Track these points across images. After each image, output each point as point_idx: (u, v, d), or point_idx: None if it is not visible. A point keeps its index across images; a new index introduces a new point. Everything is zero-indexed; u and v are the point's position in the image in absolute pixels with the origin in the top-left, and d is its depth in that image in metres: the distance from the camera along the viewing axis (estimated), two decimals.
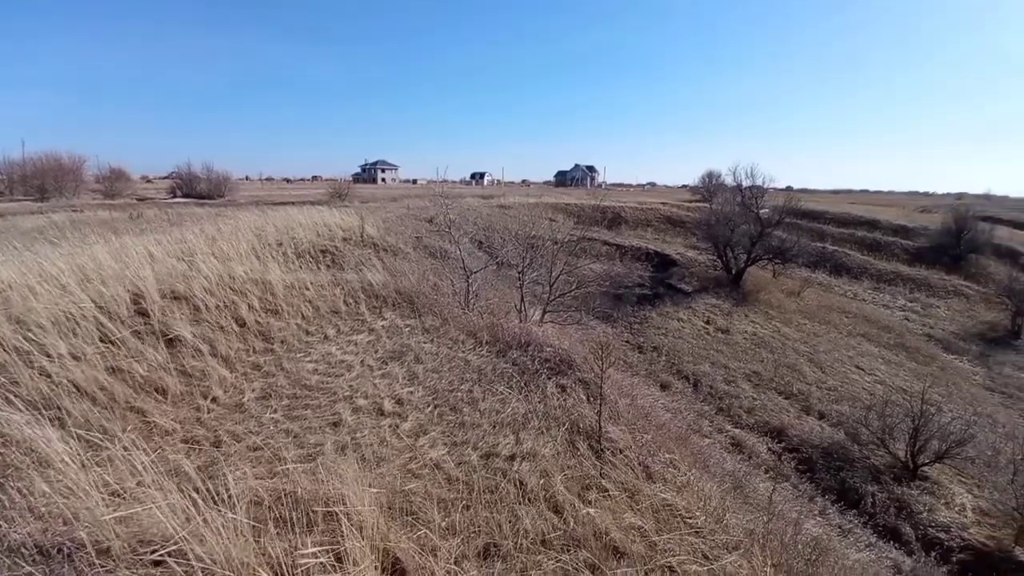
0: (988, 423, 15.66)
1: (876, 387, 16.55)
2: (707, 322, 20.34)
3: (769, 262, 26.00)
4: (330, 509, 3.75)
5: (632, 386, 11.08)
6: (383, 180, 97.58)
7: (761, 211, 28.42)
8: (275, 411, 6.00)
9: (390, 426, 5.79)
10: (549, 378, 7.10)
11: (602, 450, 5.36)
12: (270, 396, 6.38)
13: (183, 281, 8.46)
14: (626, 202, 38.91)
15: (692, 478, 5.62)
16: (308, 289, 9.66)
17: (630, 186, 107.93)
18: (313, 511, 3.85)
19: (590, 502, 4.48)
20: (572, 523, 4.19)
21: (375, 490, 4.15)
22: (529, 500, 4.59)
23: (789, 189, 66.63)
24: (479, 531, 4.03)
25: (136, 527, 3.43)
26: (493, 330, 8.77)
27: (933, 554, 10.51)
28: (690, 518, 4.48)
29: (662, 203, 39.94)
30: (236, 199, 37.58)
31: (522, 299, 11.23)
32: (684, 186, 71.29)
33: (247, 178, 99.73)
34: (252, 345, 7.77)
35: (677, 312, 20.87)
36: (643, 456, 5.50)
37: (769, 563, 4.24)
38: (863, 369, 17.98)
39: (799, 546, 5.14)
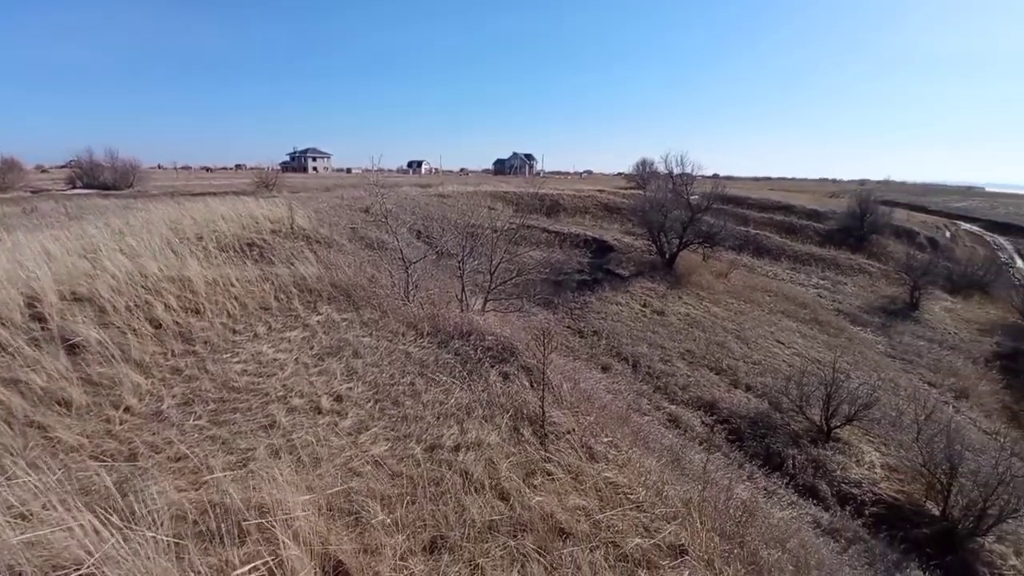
0: (891, 387, 17.41)
1: (795, 359, 17.92)
2: (644, 305, 21.12)
3: (699, 246, 27.32)
4: (263, 518, 3.54)
5: (575, 370, 11.31)
6: (315, 169, 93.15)
7: (691, 197, 29.76)
8: (199, 417, 5.59)
9: (329, 424, 5.57)
10: (492, 366, 7.09)
11: (546, 434, 5.42)
12: (193, 401, 5.93)
13: (86, 281, 7.68)
14: (564, 190, 39.46)
15: (633, 455, 5.81)
16: (234, 285, 9.05)
17: (568, 174, 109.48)
18: (245, 521, 3.62)
19: (535, 486, 4.52)
20: (518, 509, 4.21)
21: (313, 493, 3.96)
22: (475, 490, 4.56)
23: (716, 176, 70.26)
24: (425, 525, 3.96)
25: (46, 551, 3.09)
26: (434, 321, 8.63)
27: (848, 508, 11.60)
28: (631, 494, 4.63)
29: (599, 190, 40.85)
30: (147, 190, 34.55)
31: (463, 289, 11.11)
32: (620, 174, 73.23)
33: (160, 167, 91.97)
34: (171, 348, 7.19)
35: (615, 296, 21.52)
36: (586, 438, 5.62)
37: (705, 529, 4.47)
38: (783, 343, 19.39)
39: (731, 510, 5.45)
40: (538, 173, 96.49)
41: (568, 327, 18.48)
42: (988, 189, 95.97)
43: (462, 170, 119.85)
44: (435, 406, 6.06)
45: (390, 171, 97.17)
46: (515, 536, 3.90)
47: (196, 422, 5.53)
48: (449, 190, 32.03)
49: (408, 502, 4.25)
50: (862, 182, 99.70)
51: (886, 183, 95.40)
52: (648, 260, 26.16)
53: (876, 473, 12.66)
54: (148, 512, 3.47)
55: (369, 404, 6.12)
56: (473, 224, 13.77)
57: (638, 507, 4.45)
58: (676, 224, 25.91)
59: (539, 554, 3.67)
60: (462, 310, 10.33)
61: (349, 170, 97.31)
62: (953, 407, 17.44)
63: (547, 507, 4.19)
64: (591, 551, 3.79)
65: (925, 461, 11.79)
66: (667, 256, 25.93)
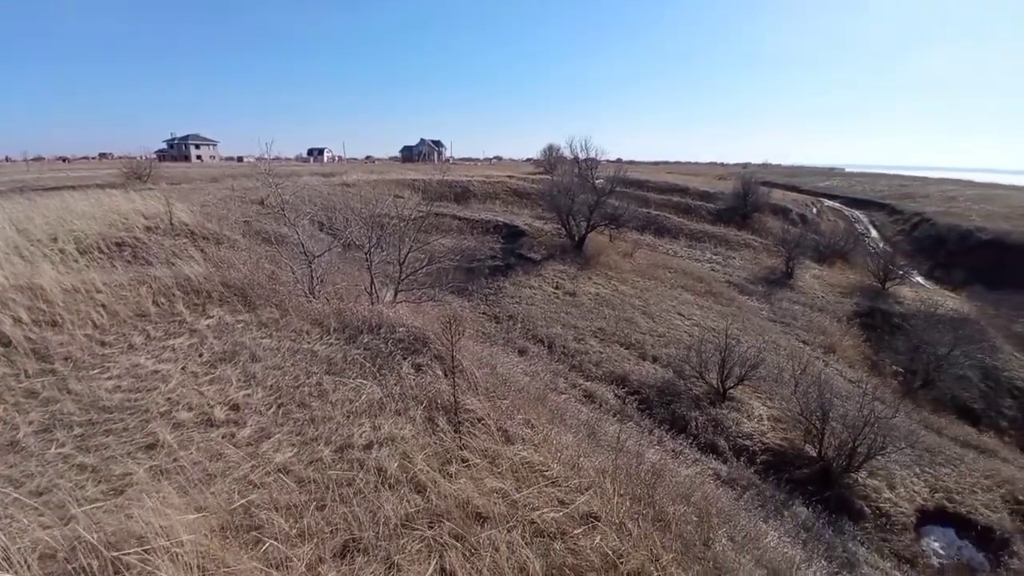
0: (773, 348, 19.44)
1: (694, 329, 19.40)
2: (556, 287, 21.73)
3: (606, 227, 28.53)
4: (144, 548, 3.16)
5: (491, 355, 11.38)
6: (198, 158, 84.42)
7: (597, 181, 30.91)
8: (63, 444, 4.89)
9: (224, 437, 5.11)
10: (404, 359, 6.90)
11: (460, 422, 5.39)
12: (54, 427, 5.17)
13: None
14: (474, 176, 39.29)
15: (550, 434, 5.96)
16: (100, 291, 7.99)
17: (477, 160, 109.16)
18: (124, 555, 3.21)
19: (452, 475, 4.48)
20: (435, 499, 4.15)
21: (204, 514, 3.61)
22: (390, 486, 4.43)
23: (619, 161, 73.47)
24: (336, 530, 3.77)
25: None
26: (341, 316, 8.23)
27: (742, 459, 12.86)
28: (547, 470, 4.74)
29: (508, 176, 41.15)
30: None
31: (372, 281, 10.69)
32: (529, 159, 74.21)
33: (7, 159, 78.76)
34: (23, 368, 6.20)
35: (528, 280, 21.91)
36: (502, 421, 5.66)
37: (617, 494, 4.70)
38: (684, 315, 20.91)
39: (641, 474, 5.78)
40: (447, 160, 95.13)
41: (483, 313, 18.54)
42: (847, 170, 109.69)
43: (368, 158, 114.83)
44: (345, 405, 5.79)
45: (288, 159, 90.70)
46: (432, 527, 3.83)
47: (59, 450, 4.83)
48: (354, 179, 30.59)
49: (316, 508, 4.02)
50: (744, 165, 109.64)
51: (764, 166, 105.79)
52: (558, 243, 26.89)
53: (764, 425, 14.13)
54: (7, 556, 2.99)
55: (271, 410, 5.71)
56: (380, 213, 13.25)
57: (553, 482, 4.56)
58: (583, 207, 26.82)
59: (457, 541, 3.64)
60: (372, 303, 9.95)
61: (240, 159, 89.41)
62: (823, 361, 19.89)
63: (464, 494, 4.17)
64: (508, 531, 3.83)
65: (802, 410, 13.33)
66: (576, 239, 26.81)
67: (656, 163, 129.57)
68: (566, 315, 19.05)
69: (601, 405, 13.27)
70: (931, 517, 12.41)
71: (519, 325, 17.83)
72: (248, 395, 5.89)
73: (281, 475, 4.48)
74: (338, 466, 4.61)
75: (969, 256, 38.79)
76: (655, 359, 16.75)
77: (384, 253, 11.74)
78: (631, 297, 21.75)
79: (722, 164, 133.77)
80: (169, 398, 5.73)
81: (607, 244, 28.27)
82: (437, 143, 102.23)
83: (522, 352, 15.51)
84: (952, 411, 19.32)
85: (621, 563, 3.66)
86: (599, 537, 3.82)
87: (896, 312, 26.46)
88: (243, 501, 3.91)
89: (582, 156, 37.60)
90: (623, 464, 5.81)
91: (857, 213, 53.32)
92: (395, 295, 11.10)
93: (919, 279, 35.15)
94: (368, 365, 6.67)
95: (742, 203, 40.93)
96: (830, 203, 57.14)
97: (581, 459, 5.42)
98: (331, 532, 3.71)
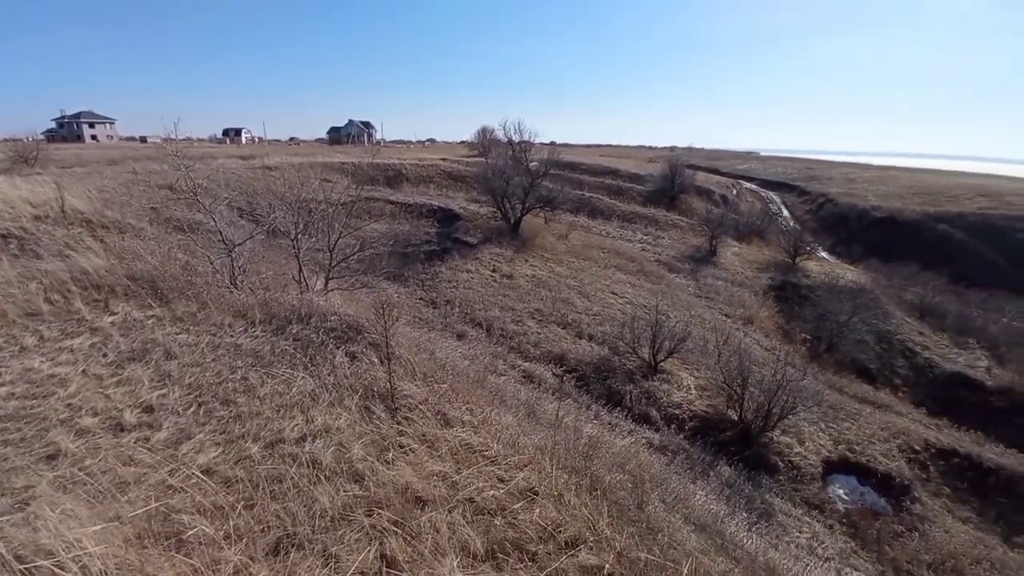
0: (699, 321, 20.64)
1: (627, 307, 20.19)
2: (493, 270, 21.79)
3: (541, 210, 28.84)
4: (54, 562, 2.89)
5: (430, 341, 11.26)
6: (93, 138, 75.95)
7: (531, 164, 31.08)
8: None
9: (137, 440, 4.74)
10: (337, 347, 6.68)
11: (397, 408, 5.31)
12: None
13: None
14: (406, 159, 38.25)
15: (490, 415, 6.01)
16: None
17: (410, 143, 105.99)
18: (35, 567, 2.93)
19: (390, 462, 4.42)
20: (373, 487, 4.08)
21: (117, 522, 3.35)
22: (326, 478, 4.31)
23: (553, 144, 74.19)
24: (268, 527, 3.62)
25: None
26: (268, 307, 7.81)
27: (673, 426, 13.66)
28: (487, 451, 4.79)
29: (442, 159, 40.43)
30: None
31: (300, 269, 10.21)
32: (463, 142, 73.28)
33: None
34: None
35: (465, 264, 21.81)
36: (440, 405, 5.64)
37: (555, 468, 4.84)
38: (617, 294, 21.69)
39: (579, 447, 5.99)
40: (378, 142, 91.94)
41: (420, 299, 18.30)
42: (762, 154, 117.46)
43: (291, 139, 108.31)
44: (274, 399, 5.54)
45: (201, 140, 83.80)
46: (371, 515, 3.78)
47: None
48: (276, 161, 28.82)
49: (245, 507, 3.84)
50: (672, 148, 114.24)
51: (689, 149, 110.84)
52: (494, 226, 26.90)
53: (692, 394, 15.05)
54: None
55: (191, 410, 5.35)
56: (307, 198, 12.59)
57: (493, 462, 4.63)
58: (518, 190, 26.93)
59: (397, 527, 3.61)
60: (301, 292, 9.51)
61: (144, 139, 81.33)
62: (743, 332, 21.41)
63: (403, 480, 4.13)
64: (449, 512, 3.85)
65: (725, 378, 14.33)
66: (512, 221, 26.93)
67: (589, 145, 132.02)
68: (504, 298, 19.18)
69: (540, 384, 13.55)
70: (836, 467, 13.83)
71: (457, 309, 17.76)
72: (163, 395, 5.48)
73: (205, 477, 4.23)
74: (268, 462, 4.42)
75: (866, 232, 42.93)
76: (591, 337, 17.29)
77: (312, 240, 11.21)
78: (567, 278, 22.24)
79: (651, 147, 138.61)
80: (70, 404, 5.22)
81: (543, 226, 28.63)
82: (366, 124, 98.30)
83: (461, 336, 15.49)
84: (852, 372, 21.50)
85: (559, 532, 3.79)
86: (538, 510, 3.93)
87: (804, 284, 28.87)
88: (158, 505, 3.66)
89: (516, 139, 37.62)
90: (561, 439, 5.98)
91: (771, 194, 57.34)
92: (326, 283, 10.67)
93: (824, 254, 38.46)
94: (299, 356, 6.41)
95: (670, 185, 42.69)
96: (748, 185, 61.01)
97: (521, 437, 5.52)
98: (262, 530, 3.57)
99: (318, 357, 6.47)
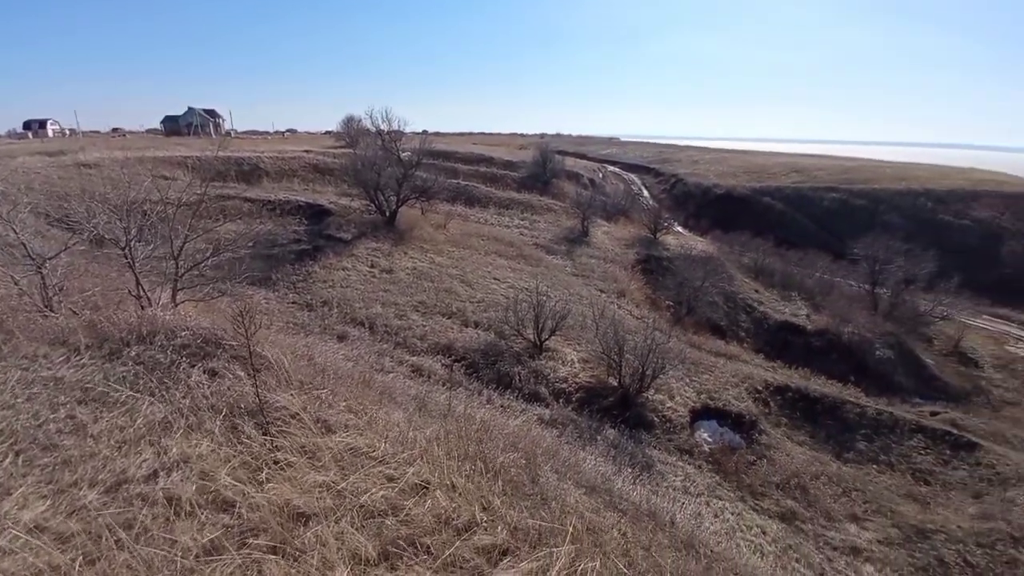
0: (578, 298, 21.91)
1: (509, 291, 20.71)
2: (371, 266, 20.95)
3: (417, 200, 28.27)
4: None
5: (307, 346, 10.51)
6: None
7: (402, 154, 30.21)
8: None
9: None
10: (192, 366, 5.92)
11: (270, 423, 4.88)
12: None
13: None
14: (264, 151, 34.90)
15: (378, 415, 5.78)
16: None
17: (267, 134, 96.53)
18: None
19: (264, 482, 4.04)
20: (247, 513, 3.70)
21: None
22: (188, 513, 3.81)
23: (425, 133, 72.86)
24: None
25: None
26: (96, 329, 6.64)
27: (561, 400, 14.39)
28: (374, 452, 4.60)
29: (306, 151, 37.61)
30: None
31: (137, 282, 8.83)
32: (328, 132, 68.89)
33: None
34: None
35: (341, 262, 20.69)
36: (320, 412, 5.29)
37: (448, 457, 4.81)
38: (499, 279, 22.15)
39: (472, 433, 6.02)
40: (227, 133, 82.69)
41: (293, 302, 16.99)
42: (623, 139, 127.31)
43: (114, 131, 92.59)
44: (113, 434, 4.74)
45: None
46: (245, 544, 3.42)
47: None
48: (95, 157, 24.52)
49: (86, 563, 3.26)
50: (541, 135, 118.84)
51: (558, 136, 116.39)
52: (369, 220, 25.83)
53: (576, 367, 15.98)
54: None
55: (6, 460, 4.38)
56: (138, 199, 10.86)
57: (381, 461, 4.46)
58: (391, 181, 26.09)
59: (275, 552, 3.32)
60: (141, 308, 8.24)
61: None
62: (617, 305, 23.19)
63: (281, 498, 3.81)
64: (336, 522, 3.64)
65: (603, 348, 15.42)
66: (387, 214, 26.07)
67: (461, 134, 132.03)
68: (385, 293, 18.58)
69: (430, 377, 13.40)
70: (700, 414, 15.68)
71: (336, 310, 16.81)
72: None
73: (33, 536, 3.51)
74: (111, 508, 3.79)
75: (710, 207, 48.87)
76: (477, 324, 17.48)
77: (151, 247, 9.75)
78: (448, 267, 22.16)
79: (522, 135, 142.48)
80: None
81: (420, 217, 28.14)
82: (211, 113, 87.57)
83: (342, 337, 14.71)
84: (707, 330, 24.45)
85: (454, 519, 3.78)
86: (430, 502, 3.88)
87: (665, 257, 32.05)
88: None
89: (385, 128, 36.27)
90: (454, 428, 5.97)
91: (632, 176, 62.54)
92: (174, 295, 9.38)
93: (679, 228, 43.05)
94: (143, 382, 5.56)
95: (542, 170, 44.40)
96: (612, 168, 65.81)
97: (411, 433, 5.39)
98: None
99: (168, 380, 5.67)
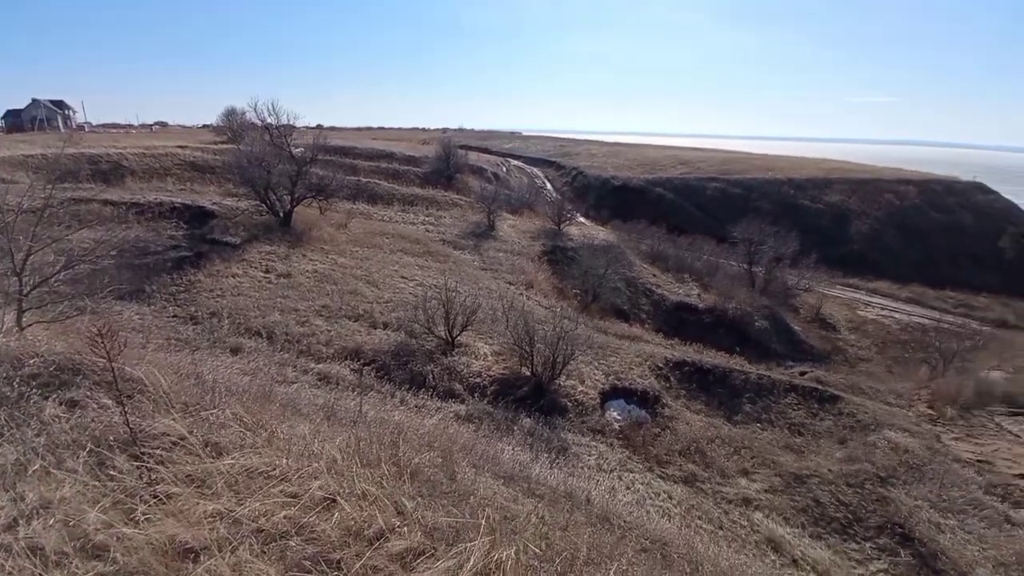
0: (487, 292, 22.05)
1: (418, 289, 20.34)
2: (266, 271, 19.51)
3: (314, 199, 26.73)
4: None
5: (195, 362, 9.52)
6: None
7: (295, 149, 28.34)
8: None
9: None
10: (46, 398, 5.11)
11: (147, 454, 4.37)
12: None
13: None
14: (128, 147, 30.90)
15: (277, 430, 5.40)
16: None
17: (131, 127, 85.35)
18: None
19: (141, 521, 3.61)
20: (122, 557, 3.29)
21: None
22: (55, 564, 3.30)
23: (319, 127, 68.89)
24: None
25: None
26: None
27: (476, 395, 14.43)
28: (273, 470, 4.30)
29: (180, 147, 33.89)
30: None
31: None
32: (206, 126, 62.74)
33: None
34: None
35: (230, 268, 19.01)
36: (210, 435, 4.83)
37: (357, 465, 4.62)
38: (407, 278, 21.66)
39: (384, 438, 5.84)
40: (80, 126, 72.33)
41: (175, 316, 15.34)
42: (525, 133, 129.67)
43: None
44: None
45: None
46: None
47: None
48: None
49: None
50: (443, 130, 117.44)
51: (461, 130, 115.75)
52: (261, 222, 23.99)
53: (489, 361, 16.11)
54: None
55: None
56: None
57: (283, 479, 4.17)
58: (283, 179, 24.41)
59: None
60: None
61: None
62: (525, 296, 23.71)
63: (164, 535, 3.42)
64: (232, 552, 3.35)
65: (515, 340, 15.70)
66: (282, 215, 24.38)
67: (360, 128, 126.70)
68: (283, 299, 17.40)
69: (339, 383, 12.83)
70: (609, 395, 16.53)
71: (227, 321, 15.44)
72: None
73: None
74: None
75: (609, 198, 51.42)
76: (386, 325, 16.99)
77: None
78: (352, 268, 21.27)
79: (424, 129, 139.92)
80: None
81: (318, 217, 26.67)
82: (60, 104, 75.80)
83: (236, 350, 13.58)
84: (612, 314, 25.82)
85: (365, 529, 3.64)
86: (338, 515, 3.71)
87: (569, 247, 33.25)
88: None
89: (272, 121, 33.77)
90: (365, 435, 5.74)
91: (535, 170, 63.91)
92: (19, 317, 8.06)
93: (581, 219, 44.76)
94: None
95: (445, 165, 43.95)
96: (515, 162, 66.78)
97: (316, 445, 5.11)
98: None
99: (17, 416, 4.86)
